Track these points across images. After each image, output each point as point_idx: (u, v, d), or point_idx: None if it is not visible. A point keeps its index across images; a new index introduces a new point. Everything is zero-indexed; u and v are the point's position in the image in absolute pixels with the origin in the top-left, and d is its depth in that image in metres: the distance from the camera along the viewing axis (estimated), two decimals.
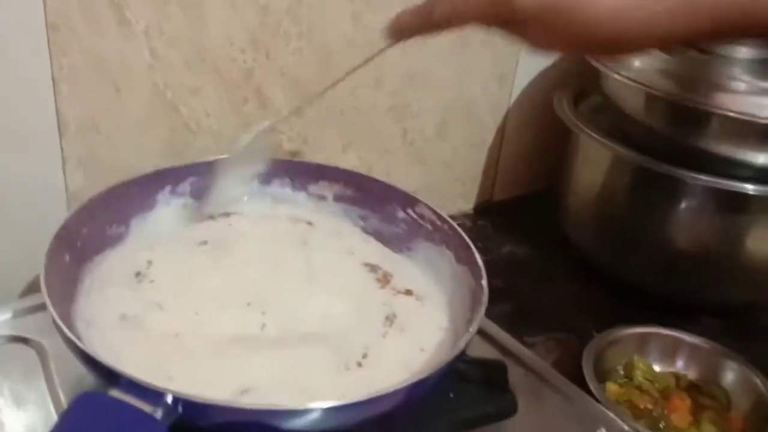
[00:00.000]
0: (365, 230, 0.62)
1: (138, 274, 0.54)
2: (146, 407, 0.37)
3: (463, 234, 0.55)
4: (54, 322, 0.43)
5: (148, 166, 0.61)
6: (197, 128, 0.67)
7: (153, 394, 0.37)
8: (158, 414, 0.37)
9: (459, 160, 0.86)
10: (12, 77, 0.56)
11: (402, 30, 0.47)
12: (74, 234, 0.52)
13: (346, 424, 0.41)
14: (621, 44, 0.42)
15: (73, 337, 0.41)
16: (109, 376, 0.39)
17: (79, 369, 0.44)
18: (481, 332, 0.59)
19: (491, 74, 0.83)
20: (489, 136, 0.88)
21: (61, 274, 0.49)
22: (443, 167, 0.85)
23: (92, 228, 0.53)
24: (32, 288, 0.61)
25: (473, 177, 0.89)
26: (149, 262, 0.55)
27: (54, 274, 0.47)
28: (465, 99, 0.82)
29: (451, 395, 0.49)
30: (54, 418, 0.47)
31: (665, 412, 0.61)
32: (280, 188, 0.63)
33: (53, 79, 0.58)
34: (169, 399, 0.37)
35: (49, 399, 0.49)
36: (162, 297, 0.51)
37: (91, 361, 0.40)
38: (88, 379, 0.43)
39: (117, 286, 0.52)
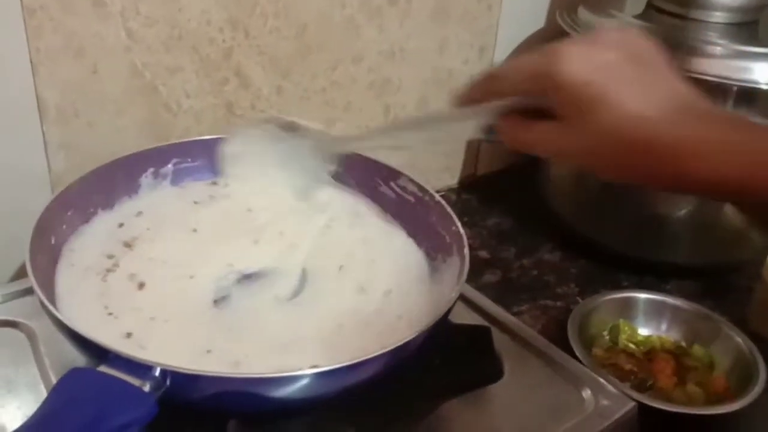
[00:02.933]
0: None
1: (121, 225, 0.56)
2: (135, 381, 0.38)
3: (445, 204, 0.56)
4: (41, 303, 0.43)
5: (129, 147, 0.61)
6: (177, 109, 0.67)
7: (141, 368, 0.38)
8: (146, 387, 0.38)
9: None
10: None
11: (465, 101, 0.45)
12: (58, 217, 0.52)
13: (332, 390, 0.42)
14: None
15: (60, 317, 0.42)
16: (97, 352, 0.39)
17: (69, 351, 0.44)
18: (468, 301, 0.60)
19: (471, 48, 0.83)
20: None
21: (47, 257, 0.49)
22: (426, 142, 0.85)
23: (76, 211, 0.54)
24: (21, 273, 0.61)
25: (457, 151, 0.90)
26: (139, 213, 0.58)
27: (40, 257, 0.47)
28: (445, 73, 0.83)
29: (437, 361, 0.49)
30: None
31: (650, 373, 0.62)
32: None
33: (31, 63, 0.57)
34: (157, 372, 0.38)
35: (40, 381, 0.50)
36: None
37: (78, 339, 0.41)
38: (79, 360, 0.44)
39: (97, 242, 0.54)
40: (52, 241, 0.50)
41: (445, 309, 0.45)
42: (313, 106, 0.75)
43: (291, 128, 0.56)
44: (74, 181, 0.54)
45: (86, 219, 0.55)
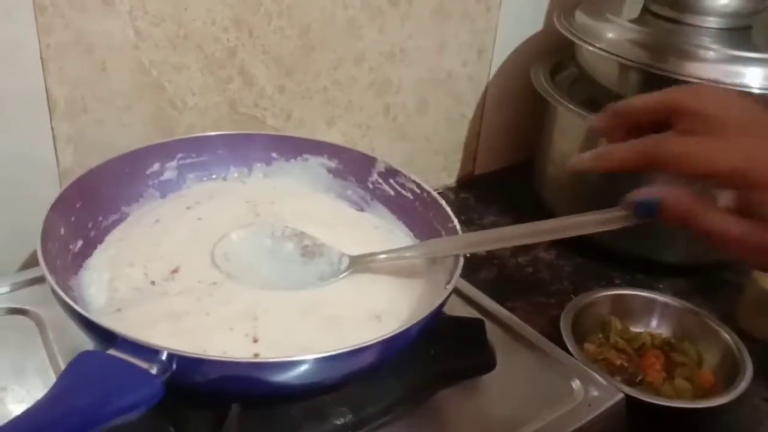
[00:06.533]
0: (344, 198, 0.64)
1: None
2: (142, 364, 0.39)
3: (442, 201, 0.58)
4: (52, 289, 0.45)
5: (135, 143, 0.62)
6: (183, 106, 0.68)
7: (148, 352, 0.40)
8: (154, 370, 0.39)
9: (440, 134, 0.88)
10: (1, 57, 0.57)
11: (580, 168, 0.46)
12: (68, 208, 0.53)
13: (331, 376, 0.44)
14: None
15: (70, 302, 0.43)
16: (106, 337, 0.41)
17: (77, 336, 0.46)
18: (463, 295, 0.61)
19: (470, 49, 0.85)
20: (469, 111, 0.90)
21: (57, 246, 0.51)
22: (425, 142, 0.87)
23: (85, 202, 0.55)
24: (29, 263, 0.63)
25: (455, 151, 0.91)
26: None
27: (50, 246, 0.49)
28: (444, 74, 0.84)
29: (432, 351, 0.51)
30: None
31: (640, 369, 0.64)
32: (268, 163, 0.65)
33: (41, 59, 0.59)
34: (164, 356, 0.40)
35: (49, 366, 0.51)
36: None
37: (88, 324, 0.42)
38: (87, 346, 0.45)
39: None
40: (62, 231, 0.52)
41: (439, 302, 0.47)
42: (314, 104, 0.76)
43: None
44: (83, 174, 0.56)
45: (95, 211, 0.57)
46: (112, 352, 0.40)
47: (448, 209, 0.57)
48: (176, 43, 0.65)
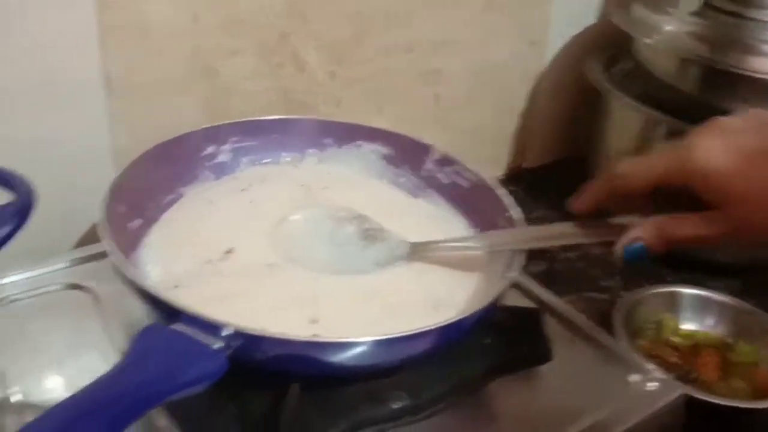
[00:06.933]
0: (398, 185, 0.64)
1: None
2: (207, 339, 0.39)
3: (499, 190, 0.57)
4: (115, 265, 0.45)
5: (187, 127, 0.62)
6: (235, 91, 0.68)
7: (213, 327, 0.40)
8: (218, 345, 0.39)
9: (489, 126, 0.87)
10: (61, 36, 0.58)
11: (587, 206, 0.50)
12: (127, 188, 0.53)
13: (389, 360, 0.44)
14: None
15: (135, 278, 0.44)
16: (171, 312, 0.41)
17: (134, 312, 0.46)
18: (519, 287, 0.60)
19: (521, 40, 0.84)
20: (519, 103, 0.89)
21: (117, 224, 0.51)
22: (473, 133, 0.86)
23: (143, 182, 0.56)
24: (84, 240, 0.64)
25: (504, 143, 0.91)
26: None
27: (111, 223, 0.49)
28: (495, 65, 0.84)
29: (488, 341, 0.51)
30: (112, 357, 0.49)
31: (694, 367, 0.63)
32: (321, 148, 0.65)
33: (100, 38, 0.59)
34: (229, 331, 0.40)
35: (105, 340, 0.52)
36: None
37: (154, 300, 0.43)
38: (143, 321, 0.45)
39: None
40: (122, 210, 0.52)
41: (498, 291, 0.46)
42: (364, 92, 0.76)
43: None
44: (141, 154, 0.56)
45: (154, 190, 0.57)
46: (176, 326, 0.40)
47: (506, 199, 0.56)
48: (231, 28, 0.65)
